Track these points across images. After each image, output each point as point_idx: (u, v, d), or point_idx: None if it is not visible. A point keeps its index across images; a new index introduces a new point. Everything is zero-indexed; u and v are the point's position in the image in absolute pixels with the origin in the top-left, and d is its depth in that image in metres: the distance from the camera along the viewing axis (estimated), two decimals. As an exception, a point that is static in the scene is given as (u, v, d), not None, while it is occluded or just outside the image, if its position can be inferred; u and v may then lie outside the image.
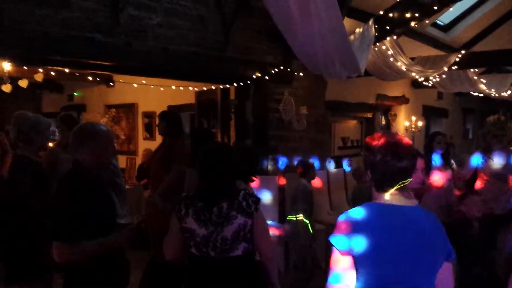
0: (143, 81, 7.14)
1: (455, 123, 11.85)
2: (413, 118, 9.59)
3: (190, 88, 6.59)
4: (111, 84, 8.97)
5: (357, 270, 1.74)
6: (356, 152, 8.31)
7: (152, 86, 7.26)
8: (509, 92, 8.58)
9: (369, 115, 8.77)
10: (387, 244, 1.74)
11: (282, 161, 5.26)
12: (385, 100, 8.92)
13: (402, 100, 9.39)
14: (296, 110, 6.39)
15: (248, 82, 5.84)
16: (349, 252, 1.72)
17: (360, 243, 1.71)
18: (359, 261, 1.73)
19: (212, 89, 6.68)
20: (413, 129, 9.35)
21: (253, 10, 5.63)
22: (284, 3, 2.70)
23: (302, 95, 6.58)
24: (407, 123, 9.55)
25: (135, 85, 7.16)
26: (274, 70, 5.89)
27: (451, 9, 7.47)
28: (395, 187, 1.81)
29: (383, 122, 9.28)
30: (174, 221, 2.47)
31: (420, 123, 9.71)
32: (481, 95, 8.68)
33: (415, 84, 8.66)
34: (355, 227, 1.74)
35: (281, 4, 2.76)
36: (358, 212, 1.78)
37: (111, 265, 2.44)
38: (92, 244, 2.32)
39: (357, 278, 1.75)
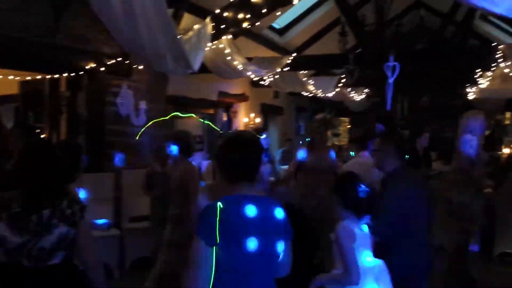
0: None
1: (290, 120, 12.81)
2: (252, 115, 10.08)
3: (11, 77, 5.85)
4: None
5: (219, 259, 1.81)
6: (198, 148, 8.39)
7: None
8: (334, 93, 9.59)
9: (211, 111, 8.94)
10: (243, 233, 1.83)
11: (119, 157, 5.01)
12: (227, 97, 9.19)
13: (242, 97, 9.79)
14: (136, 104, 6.18)
15: (81, 72, 5.43)
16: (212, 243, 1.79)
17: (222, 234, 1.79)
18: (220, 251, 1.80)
19: (38, 79, 6.03)
20: (252, 126, 9.81)
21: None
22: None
23: (143, 89, 6.38)
24: (246, 120, 9.99)
25: None
26: (111, 62, 5.59)
27: (284, 14, 8.07)
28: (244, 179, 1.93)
29: (225, 118, 9.56)
30: None
31: (258, 120, 10.26)
32: (311, 95, 9.55)
33: (254, 83, 9.10)
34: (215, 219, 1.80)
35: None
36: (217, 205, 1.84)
37: None
38: None
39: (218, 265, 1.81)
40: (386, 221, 2.78)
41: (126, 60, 5.79)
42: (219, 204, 1.83)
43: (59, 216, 2.18)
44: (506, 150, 8.78)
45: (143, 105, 6.13)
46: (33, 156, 2.27)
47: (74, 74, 5.46)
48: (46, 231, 2.15)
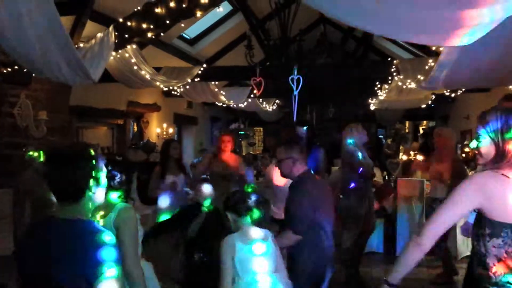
0: None
1: (204, 130, 12.84)
2: (165, 125, 9.96)
3: None
4: None
5: None
6: (107, 158, 8.11)
7: None
8: (246, 103, 9.79)
9: (120, 121, 8.70)
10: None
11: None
12: (137, 107, 9.00)
13: (154, 107, 9.65)
14: (35, 114, 5.85)
15: (-29, 81, 5.04)
16: None
17: None
18: None
19: None
20: (164, 136, 9.70)
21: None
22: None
23: (43, 99, 6.06)
24: (159, 130, 9.86)
25: None
26: (7, 70, 5.24)
27: (194, 24, 8.11)
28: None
29: (135, 128, 9.35)
30: None
31: (171, 130, 10.16)
32: (224, 105, 9.66)
33: (166, 92, 9.02)
34: None
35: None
36: None
37: None
38: None
39: None
40: (300, 218, 3.00)
41: (24, 69, 5.46)
42: None
43: None
44: (404, 157, 9.48)
45: (43, 115, 5.81)
46: None
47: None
48: None
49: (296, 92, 5.72)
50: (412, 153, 8.94)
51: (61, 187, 1.76)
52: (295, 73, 5.62)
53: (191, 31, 8.89)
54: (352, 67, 7.35)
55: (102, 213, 2.47)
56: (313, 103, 12.08)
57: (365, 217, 4.82)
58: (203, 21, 8.38)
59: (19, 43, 2.86)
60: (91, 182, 1.79)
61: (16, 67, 5.35)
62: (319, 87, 8.64)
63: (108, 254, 1.68)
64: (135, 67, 5.46)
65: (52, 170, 1.76)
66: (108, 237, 1.72)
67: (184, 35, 8.79)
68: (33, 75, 5.62)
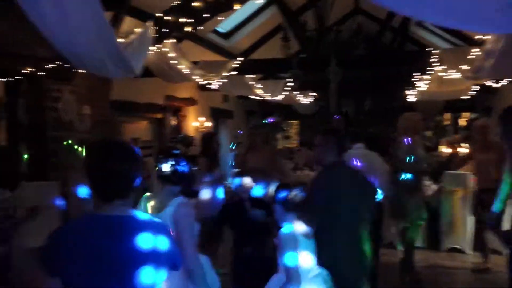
0: None
1: (239, 123, 12.90)
2: (202, 119, 10.08)
3: None
4: None
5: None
6: (147, 153, 8.29)
7: None
8: (282, 96, 9.76)
9: (159, 115, 8.87)
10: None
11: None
12: (174, 101, 9.15)
13: (191, 101, 9.78)
14: (78, 109, 6.04)
15: (19, 77, 5.25)
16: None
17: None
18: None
19: (-28, 84, 5.78)
20: (202, 129, 9.81)
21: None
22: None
23: (85, 94, 6.24)
24: (196, 124, 9.98)
25: None
26: (50, 66, 5.42)
27: (229, 18, 8.14)
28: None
29: (174, 122, 9.50)
30: None
31: (208, 124, 10.27)
32: (260, 98, 9.68)
33: (202, 86, 9.11)
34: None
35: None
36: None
37: None
38: None
39: None
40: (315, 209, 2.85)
41: (66, 64, 5.64)
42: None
43: None
44: (446, 150, 9.21)
45: (86, 110, 5.99)
46: None
47: (12, 79, 5.27)
48: None
49: (334, 84, 5.67)
50: (455, 145, 8.68)
51: (115, 184, 1.68)
52: (333, 64, 5.57)
53: (225, 25, 8.94)
54: (390, 57, 7.20)
55: (159, 207, 2.50)
56: (349, 95, 11.90)
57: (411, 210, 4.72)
58: (236, 15, 8.42)
59: (68, 40, 2.96)
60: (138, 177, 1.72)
61: (59, 62, 5.53)
62: (355, 79, 8.51)
63: (165, 247, 1.66)
64: (174, 62, 5.54)
65: (108, 166, 1.66)
66: (164, 231, 1.71)
67: (219, 29, 8.85)
68: (76, 70, 5.81)
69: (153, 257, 1.63)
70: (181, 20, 4.29)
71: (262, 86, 8.72)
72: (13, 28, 5.10)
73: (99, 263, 1.58)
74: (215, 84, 7.74)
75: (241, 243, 3.65)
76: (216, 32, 8.83)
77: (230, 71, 6.63)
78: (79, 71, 5.81)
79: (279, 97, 9.62)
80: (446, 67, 6.04)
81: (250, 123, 13.35)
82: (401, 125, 4.75)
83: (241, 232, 3.69)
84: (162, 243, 1.66)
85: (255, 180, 3.83)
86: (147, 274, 1.61)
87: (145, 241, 1.62)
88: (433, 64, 6.19)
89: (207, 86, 7.98)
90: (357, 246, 2.97)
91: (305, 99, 11.12)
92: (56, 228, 1.70)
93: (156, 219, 1.78)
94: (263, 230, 3.40)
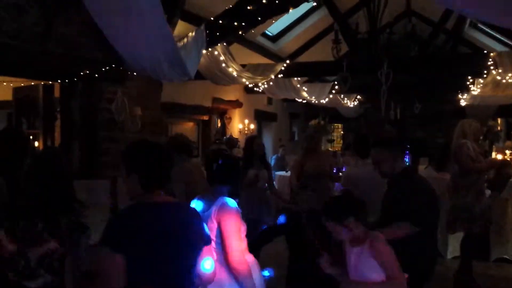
0: None
1: (283, 126, 12.86)
2: (246, 121, 10.10)
3: (5, 83, 5.83)
4: None
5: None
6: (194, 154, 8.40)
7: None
8: (327, 99, 9.65)
9: (206, 117, 8.96)
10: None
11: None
12: (221, 103, 9.22)
13: (236, 104, 9.82)
14: (130, 110, 6.17)
15: (75, 79, 5.42)
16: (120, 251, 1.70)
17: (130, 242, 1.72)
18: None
19: (32, 85, 6.02)
20: (246, 132, 9.84)
21: (80, 2, 5.24)
22: (104, 1, 2.57)
23: (136, 95, 6.37)
24: (240, 126, 10.02)
25: None
26: (104, 68, 5.58)
27: (277, 21, 8.12)
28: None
29: (219, 124, 9.58)
30: None
31: (252, 126, 10.28)
32: (304, 101, 9.60)
33: (248, 89, 9.13)
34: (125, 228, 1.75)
35: (100, 1, 2.62)
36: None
37: None
38: None
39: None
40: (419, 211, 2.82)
41: (120, 67, 5.78)
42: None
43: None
44: (499, 156, 8.82)
45: (137, 111, 6.12)
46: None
47: (68, 80, 5.45)
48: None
49: (385, 87, 5.52)
50: (508, 152, 8.29)
51: (165, 173, 1.92)
52: (385, 67, 5.42)
53: (273, 28, 8.93)
54: (444, 60, 6.94)
55: (204, 205, 2.49)
56: (398, 98, 11.59)
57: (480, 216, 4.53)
58: (285, 18, 8.39)
59: (130, 43, 3.02)
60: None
61: (113, 65, 5.69)
62: (404, 82, 8.27)
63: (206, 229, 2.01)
64: (223, 65, 5.57)
65: (164, 157, 1.93)
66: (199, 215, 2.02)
67: (267, 32, 8.84)
68: (128, 73, 5.95)
69: (206, 238, 1.97)
70: (234, 23, 4.29)
71: (307, 89, 8.65)
72: (79, 33, 5.30)
73: (165, 244, 1.77)
74: (261, 86, 7.74)
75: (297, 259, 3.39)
76: (264, 35, 8.83)
77: (277, 74, 6.60)
78: (131, 73, 5.97)
79: (324, 100, 9.52)
80: (501, 70, 5.77)
81: (295, 125, 13.26)
82: (462, 131, 4.55)
83: (298, 246, 3.43)
84: (204, 225, 1.99)
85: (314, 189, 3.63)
86: (199, 253, 1.91)
87: (202, 224, 1.96)
88: (490, 67, 5.93)
89: (253, 88, 7.99)
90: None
91: (351, 102, 10.95)
92: (120, 211, 2.03)
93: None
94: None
